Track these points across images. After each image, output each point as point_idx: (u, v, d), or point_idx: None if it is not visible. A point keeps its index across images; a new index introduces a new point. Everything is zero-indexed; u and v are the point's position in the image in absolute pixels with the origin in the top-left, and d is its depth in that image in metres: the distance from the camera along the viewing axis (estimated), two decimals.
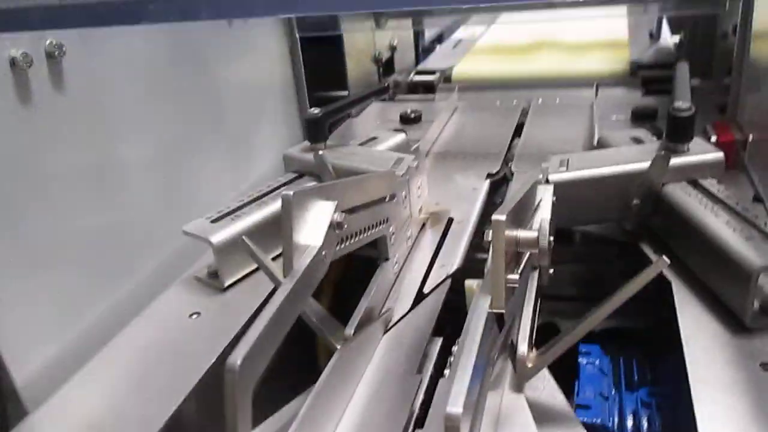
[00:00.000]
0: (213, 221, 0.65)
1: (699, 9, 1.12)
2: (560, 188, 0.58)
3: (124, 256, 0.68)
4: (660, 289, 0.57)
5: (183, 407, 0.49)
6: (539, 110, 1.04)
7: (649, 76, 1.16)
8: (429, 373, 0.52)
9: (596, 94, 1.04)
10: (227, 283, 0.63)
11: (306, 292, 0.41)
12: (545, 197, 0.50)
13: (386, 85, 1.15)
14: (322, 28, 1.02)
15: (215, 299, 0.62)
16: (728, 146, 0.73)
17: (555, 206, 0.54)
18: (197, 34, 0.77)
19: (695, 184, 0.60)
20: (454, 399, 0.29)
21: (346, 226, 0.44)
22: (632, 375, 0.61)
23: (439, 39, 1.66)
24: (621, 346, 0.64)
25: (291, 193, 0.39)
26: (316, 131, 0.73)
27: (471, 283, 0.50)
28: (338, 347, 0.48)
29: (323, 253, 0.42)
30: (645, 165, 0.60)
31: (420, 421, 0.47)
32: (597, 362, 0.60)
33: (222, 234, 0.62)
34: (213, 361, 0.53)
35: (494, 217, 0.35)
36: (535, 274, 0.53)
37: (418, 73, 1.36)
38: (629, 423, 0.55)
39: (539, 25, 1.54)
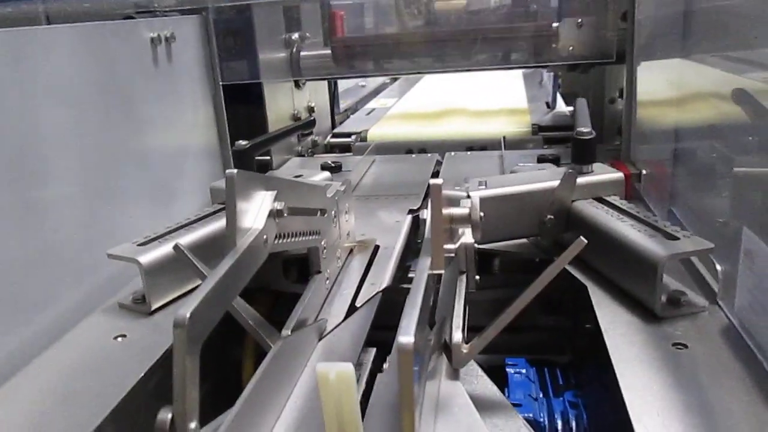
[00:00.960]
0: (140, 245, 0.63)
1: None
2: (481, 204, 0.62)
3: (43, 289, 0.65)
4: (578, 299, 0.62)
5: (104, 427, 0.46)
6: (453, 160, 1.10)
7: (549, 135, 1.27)
8: (365, 378, 0.52)
9: (503, 147, 1.11)
10: (155, 306, 0.61)
11: (247, 270, 0.41)
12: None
13: (312, 119, 1.19)
14: (244, 76, 1.05)
15: (142, 322, 0.60)
16: (625, 180, 0.80)
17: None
18: (124, 70, 0.78)
19: (601, 200, 0.66)
20: (405, 329, 0.30)
21: (285, 214, 0.45)
22: (557, 381, 0.63)
23: (354, 109, 1.73)
24: (544, 359, 0.67)
25: (234, 171, 0.40)
26: (243, 163, 0.74)
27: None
28: (272, 345, 0.47)
29: (264, 237, 0.43)
30: (555, 183, 0.65)
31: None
32: (524, 371, 0.63)
33: (150, 255, 0.61)
34: (138, 379, 0.51)
35: (432, 181, 0.38)
36: (463, 278, 0.56)
37: (335, 135, 1.41)
38: (559, 421, 0.57)
39: (446, 96, 1.65)
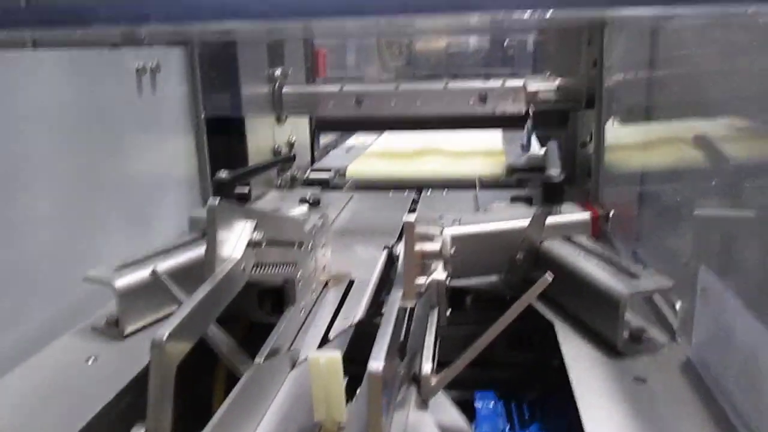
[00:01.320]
0: (117, 269, 0.64)
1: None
2: (454, 242, 0.64)
3: (13, 308, 0.65)
4: (547, 337, 0.63)
5: None
6: (429, 199, 1.13)
7: (523, 177, 1.30)
8: None
9: (478, 187, 1.14)
10: (128, 330, 0.62)
11: (224, 297, 0.43)
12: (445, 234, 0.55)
13: (292, 155, 1.21)
14: (226, 110, 1.07)
15: (114, 345, 0.61)
16: (594, 220, 0.83)
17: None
18: (108, 97, 0.80)
19: (569, 239, 0.69)
20: (375, 356, 0.31)
21: (263, 245, 0.46)
22: (524, 415, 0.65)
23: (333, 145, 1.76)
24: (512, 393, 0.69)
25: (216, 200, 0.42)
26: (223, 193, 0.76)
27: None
28: (244, 374, 0.48)
29: (242, 265, 0.45)
30: (526, 222, 0.68)
31: None
32: (491, 404, 0.64)
33: (126, 279, 0.62)
34: (107, 402, 0.51)
35: (406, 219, 0.40)
36: (435, 312, 0.57)
37: (314, 170, 1.43)
38: None
39: (424, 136, 1.69)
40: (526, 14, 0.34)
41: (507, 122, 1.28)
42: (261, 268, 0.50)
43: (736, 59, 0.52)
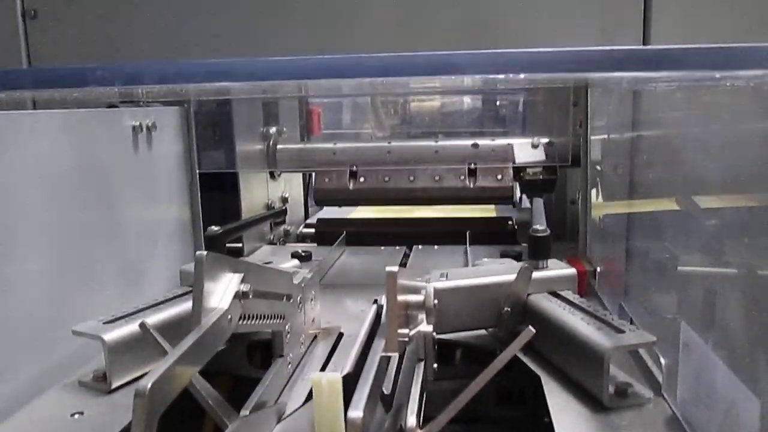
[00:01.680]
0: (106, 323, 0.65)
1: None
2: (441, 295, 0.65)
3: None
4: (537, 393, 0.63)
5: None
6: (420, 253, 1.14)
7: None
8: None
9: (468, 243, 1.16)
10: (115, 384, 0.62)
11: (210, 348, 0.43)
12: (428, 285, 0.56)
13: (284, 208, 1.22)
14: (221, 165, 1.09)
15: (101, 400, 0.61)
16: (581, 276, 0.84)
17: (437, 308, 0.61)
18: (104, 155, 0.82)
19: (555, 294, 0.70)
20: (355, 404, 0.32)
21: (251, 296, 0.47)
22: None
23: None
24: None
25: (204, 252, 0.43)
26: (214, 248, 0.77)
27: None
28: (229, 425, 0.48)
29: (229, 316, 0.45)
30: (512, 277, 0.69)
31: None
32: None
33: (114, 333, 0.62)
34: None
35: (387, 269, 0.41)
36: (422, 366, 0.58)
37: (307, 225, 1.45)
38: None
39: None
40: (502, 77, 0.36)
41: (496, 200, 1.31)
42: (248, 319, 0.51)
43: (711, 121, 0.54)
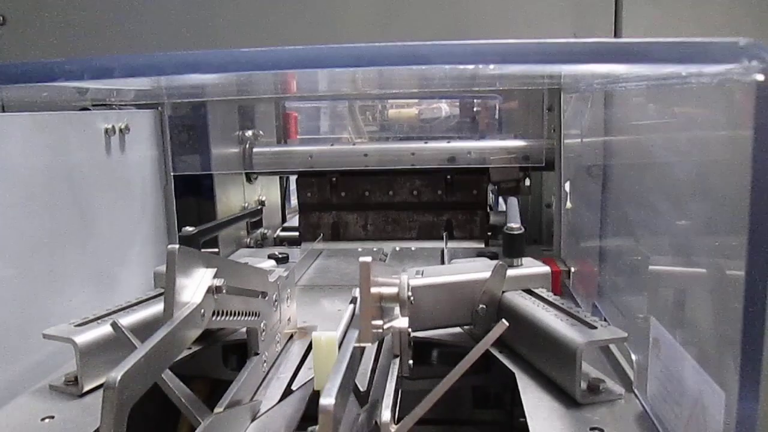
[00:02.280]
0: (77, 325, 0.64)
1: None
2: (417, 292, 0.65)
3: None
4: (515, 394, 0.64)
5: None
6: (397, 255, 1.14)
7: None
8: None
9: (446, 243, 1.16)
10: (87, 387, 0.61)
11: (182, 342, 0.43)
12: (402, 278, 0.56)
13: (260, 207, 1.22)
14: (196, 168, 1.09)
15: (72, 404, 0.60)
16: (555, 276, 0.85)
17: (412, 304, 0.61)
18: (75, 157, 0.81)
19: (529, 291, 0.70)
20: (327, 392, 0.32)
21: (224, 291, 0.47)
22: None
23: None
24: None
25: (176, 246, 0.42)
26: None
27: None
28: (202, 422, 0.48)
29: (201, 311, 0.45)
30: (487, 274, 0.69)
31: None
32: None
33: (86, 336, 0.61)
34: None
35: (361, 259, 0.41)
36: (397, 362, 0.58)
37: (285, 229, 1.44)
38: None
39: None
40: (471, 68, 0.37)
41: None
42: (222, 315, 0.50)
43: (679, 122, 0.55)
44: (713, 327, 0.46)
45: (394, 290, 0.45)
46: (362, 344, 0.41)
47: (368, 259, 0.42)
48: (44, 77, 0.38)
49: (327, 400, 0.31)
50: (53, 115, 0.78)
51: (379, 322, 0.43)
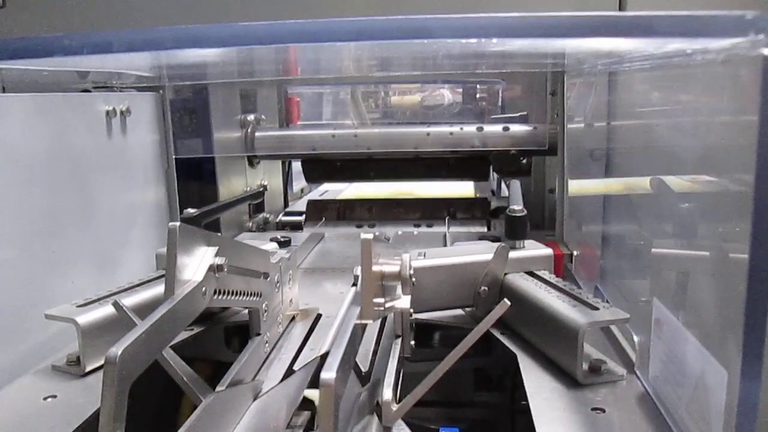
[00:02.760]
0: (79, 306, 0.64)
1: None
2: (419, 274, 0.65)
3: None
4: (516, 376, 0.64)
5: None
6: (399, 238, 1.14)
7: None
8: None
9: (447, 227, 1.16)
10: (89, 368, 0.61)
11: (183, 319, 0.43)
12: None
13: (261, 189, 1.22)
14: (197, 151, 1.08)
15: (75, 383, 0.60)
16: (557, 259, 0.85)
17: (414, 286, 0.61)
18: (76, 140, 0.80)
19: (531, 274, 0.70)
20: (328, 367, 0.32)
21: (226, 269, 0.47)
22: None
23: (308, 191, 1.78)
24: (477, 428, 0.68)
25: (177, 224, 0.42)
26: None
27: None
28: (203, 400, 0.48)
29: (203, 289, 0.45)
30: (489, 256, 0.69)
31: None
32: None
33: (88, 316, 0.61)
34: None
35: (363, 236, 0.41)
36: (399, 342, 0.58)
37: (287, 214, 1.44)
38: None
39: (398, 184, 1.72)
40: (474, 41, 0.37)
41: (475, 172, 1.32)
42: (223, 294, 0.50)
43: (684, 102, 0.54)
44: (716, 308, 0.45)
45: (395, 268, 0.45)
46: (363, 321, 0.41)
47: (370, 236, 0.41)
48: (43, 52, 0.38)
49: (328, 374, 0.31)
50: (54, 96, 0.78)
51: (381, 300, 0.43)
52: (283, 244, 1.07)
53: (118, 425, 0.33)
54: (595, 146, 0.85)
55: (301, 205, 1.52)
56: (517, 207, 0.72)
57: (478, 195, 1.37)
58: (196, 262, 0.45)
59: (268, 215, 1.38)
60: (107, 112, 0.86)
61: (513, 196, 0.85)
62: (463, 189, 1.66)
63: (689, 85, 0.53)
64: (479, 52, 0.54)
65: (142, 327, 0.36)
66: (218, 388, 0.50)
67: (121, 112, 0.89)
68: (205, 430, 0.45)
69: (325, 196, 1.62)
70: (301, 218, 1.38)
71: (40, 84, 0.78)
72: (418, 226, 1.24)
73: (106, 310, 0.63)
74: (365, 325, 0.42)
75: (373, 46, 0.48)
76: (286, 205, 1.55)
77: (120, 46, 0.36)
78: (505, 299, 0.48)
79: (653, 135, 0.63)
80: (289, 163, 1.57)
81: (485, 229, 1.20)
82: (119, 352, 0.33)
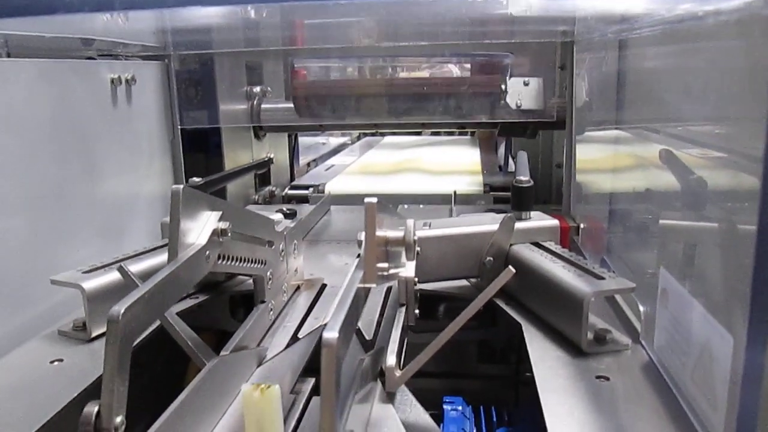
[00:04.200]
0: (85, 272, 0.64)
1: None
2: (424, 244, 0.65)
3: None
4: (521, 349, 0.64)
5: None
6: (406, 212, 1.14)
7: (500, 195, 1.32)
8: (301, 405, 0.53)
9: (454, 201, 1.16)
10: (95, 333, 0.61)
11: (186, 281, 0.43)
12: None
13: (268, 158, 1.21)
14: (203, 121, 1.08)
15: (80, 348, 0.60)
16: (564, 232, 0.85)
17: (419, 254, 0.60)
18: (81, 107, 0.80)
19: (537, 245, 0.70)
20: (330, 327, 0.32)
21: (229, 234, 0.47)
22: (491, 420, 0.65)
23: (314, 165, 1.77)
24: (481, 399, 0.69)
25: (180, 186, 0.42)
26: None
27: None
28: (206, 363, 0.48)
29: (206, 252, 0.45)
30: (495, 227, 0.69)
31: None
32: (460, 408, 0.64)
33: (94, 281, 0.62)
34: (69, 401, 0.50)
35: (366, 200, 0.41)
36: (403, 310, 0.58)
37: (293, 187, 1.44)
38: None
39: (404, 153, 1.70)
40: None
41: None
42: (227, 260, 0.50)
43: (695, 69, 0.53)
44: (723, 275, 0.45)
45: (400, 234, 0.45)
46: (366, 285, 0.41)
47: (374, 199, 0.41)
48: (44, 9, 0.37)
49: (330, 334, 0.31)
50: (58, 63, 0.77)
51: (384, 265, 0.43)
52: (289, 216, 1.07)
53: (120, 382, 0.33)
54: (603, 118, 0.84)
55: (308, 179, 1.52)
56: (524, 177, 0.71)
57: (485, 188, 1.35)
58: (200, 226, 0.45)
59: (274, 188, 1.38)
60: (112, 80, 0.86)
61: (520, 166, 0.85)
62: (470, 167, 1.65)
63: (701, 50, 0.52)
64: (488, 17, 0.53)
65: (144, 287, 0.36)
66: (222, 353, 0.50)
67: (126, 81, 0.89)
68: (209, 392, 0.46)
69: (332, 171, 1.62)
70: (308, 191, 1.37)
71: (45, 51, 0.77)
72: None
73: (112, 276, 0.63)
74: (368, 290, 0.42)
75: (379, 10, 0.47)
76: (292, 178, 1.54)
77: (122, 3, 0.35)
78: (510, 266, 0.48)
79: (663, 105, 0.62)
80: (295, 137, 1.56)
81: (491, 204, 1.19)
82: (122, 311, 0.33)
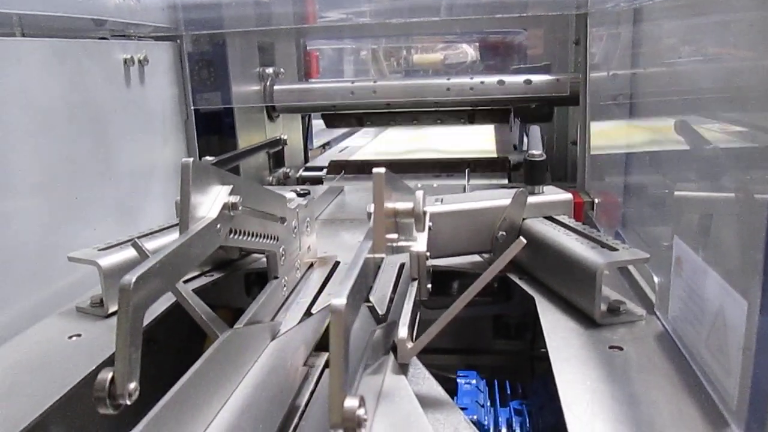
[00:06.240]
0: (101, 249, 0.65)
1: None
2: (436, 219, 0.65)
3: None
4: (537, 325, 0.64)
5: (49, 415, 0.47)
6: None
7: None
8: (315, 379, 0.53)
9: (467, 179, 1.15)
10: (112, 309, 0.62)
11: (198, 253, 0.43)
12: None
13: (280, 137, 1.22)
14: (216, 102, 1.09)
15: (98, 324, 0.61)
16: (578, 206, 0.84)
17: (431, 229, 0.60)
18: (95, 87, 0.81)
19: (550, 218, 0.69)
20: (339, 294, 0.32)
21: (240, 208, 0.47)
22: (505, 393, 0.65)
23: (328, 145, 1.78)
24: (496, 374, 0.69)
25: (190, 159, 0.42)
26: None
27: None
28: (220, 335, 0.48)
29: (218, 226, 0.45)
30: (507, 202, 0.68)
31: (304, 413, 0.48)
32: (473, 382, 0.64)
33: (111, 258, 0.62)
34: (86, 374, 0.51)
35: (375, 170, 0.41)
36: (415, 284, 0.58)
37: (307, 169, 1.44)
38: (503, 427, 0.58)
39: (418, 133, 1.70)
40: None
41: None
42: (239, 234, 0.50)
43: (712, 39, 0.52)
44: (738, 242, 0.44)
45: (409, 205, 0.45)
46: (376, 255, 0.41)
47: (382, 169, 0.41)
48: None
49: (339, 301, 0.31)
50: (71, 43, 0.78)
51: (394, 236, 0.43)
52: (303, 196, 1.07)
53: (133, 350, 0.34)
54: (618, 92, 0.83)
55: (321, 161, 1.52)
56: (536, 151, 0.71)
57: (499, 155, 1.35)
58: (211, 200, 0.45)
59: (288, 170, 1.38)
60: (125, 61, 0.86)
61: (533, 141, 0.84)
62: (484, 146, 1.64)
63: (718, 19, 0.51)
64: None
65: (155, 258, 0.37)
66: (236, 326, 0.50)
67: (139, 61, 0.89)
68: (223, 363, 0.46)
69: (344, 153, 1.62)
70: (322, 173, 1.38)
71: (58, 30, 0.78)
72: (438, 177, 1.24)
73: (128, 253, 0.64)
74: (380, 261, 0.42)
75: None
76: (306, 161, 1.55)
77: None
78: (521, 237, 0.48)
79: (679, 76, 0.61)
80: (309, 119, 1.56)
81: (506, 181, 1.19)
82: (133, 280, 0.34)
